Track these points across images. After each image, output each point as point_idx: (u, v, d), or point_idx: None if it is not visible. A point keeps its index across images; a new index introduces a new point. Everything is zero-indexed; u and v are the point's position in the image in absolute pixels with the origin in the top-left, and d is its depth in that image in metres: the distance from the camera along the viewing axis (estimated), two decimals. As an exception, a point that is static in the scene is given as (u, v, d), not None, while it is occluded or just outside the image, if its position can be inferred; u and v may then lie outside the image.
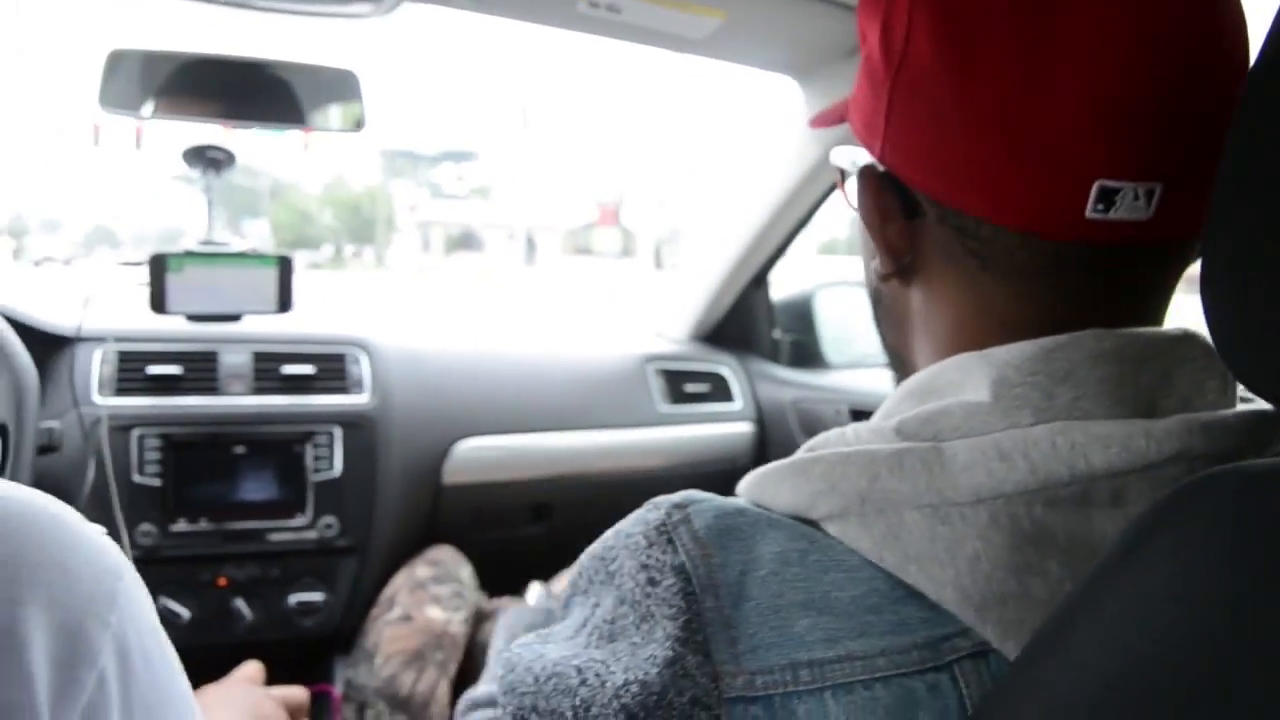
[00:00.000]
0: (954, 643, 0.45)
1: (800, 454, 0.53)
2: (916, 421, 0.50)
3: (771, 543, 0.48)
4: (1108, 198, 0.47)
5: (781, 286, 2.11)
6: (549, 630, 0.54)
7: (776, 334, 2.08)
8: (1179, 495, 0.41)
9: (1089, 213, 0.47)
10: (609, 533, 0.53)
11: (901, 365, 0.61)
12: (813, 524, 0.50)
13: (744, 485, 0.55)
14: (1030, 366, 0.49)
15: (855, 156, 0.60)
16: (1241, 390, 0.52)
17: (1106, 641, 0.39)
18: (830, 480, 0.49)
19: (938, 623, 0.46)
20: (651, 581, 0.48)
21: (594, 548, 0.54)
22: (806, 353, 2.10)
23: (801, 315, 2.11)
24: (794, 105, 1.62)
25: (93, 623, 0.45)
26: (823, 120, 0.68)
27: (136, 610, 0.49)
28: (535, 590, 1.45)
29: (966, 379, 0.51)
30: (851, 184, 0.61)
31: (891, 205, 0.55)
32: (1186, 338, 0.51)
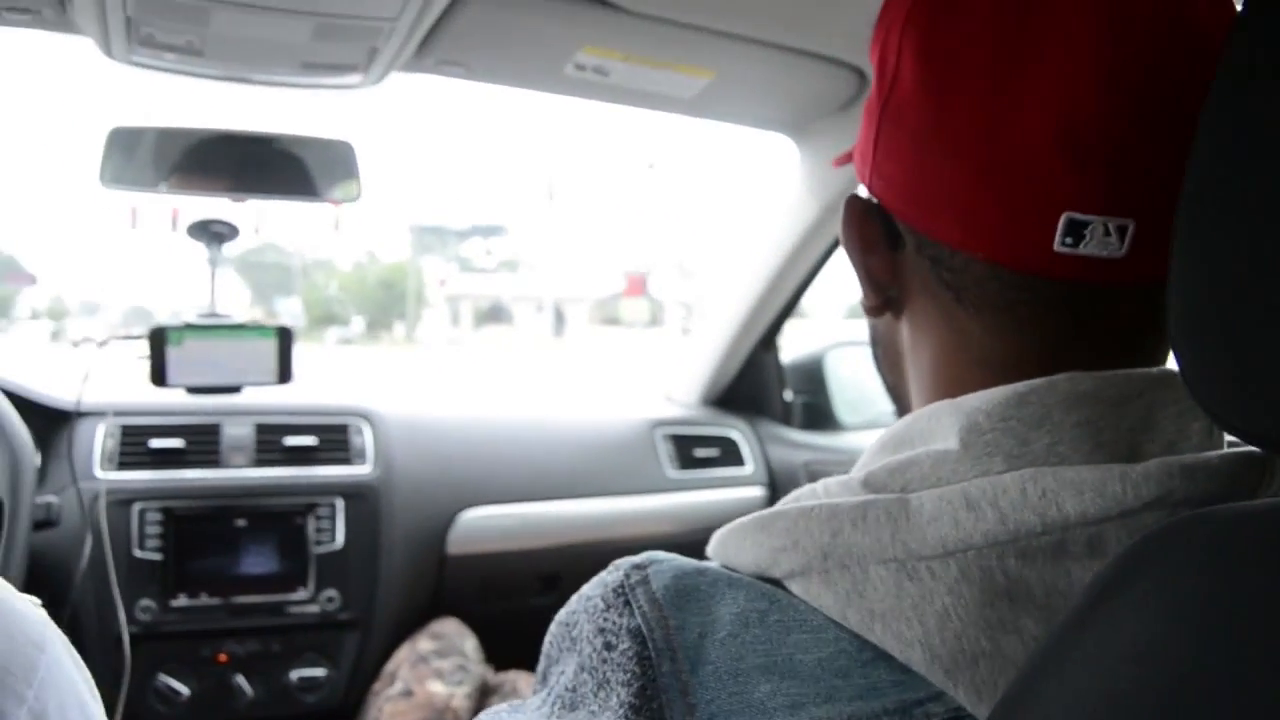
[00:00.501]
0: (927, 708, 0.43)
1: (767, 510, 0.51)
2: (884, 473, 0.48)
3: (731, 603, 0.46)
4: (1076, 231, 0.46)
5: (795, 348, 2.09)
6: (523, 702, 0.52)
7: (788, 396, 2.06)
8: (1148, 543, 0.39)
9: (1057, 245, 0.46)
10: (574, 597, 0.52)
11: (900, 405, 0.60)
12: (777, 583, 0.48)
13: (712, 544, 0.54)
14: (1001, 412, 0.47)
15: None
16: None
17: (1071, 708, 0.37)
18: (792, 536, 0.47)
19: (910, 686, 0.43)
20: (608, 646, 0.46)
21: (560, 613, 0.52)
22: (819, 414, 2.07)
23: (813, 376, 2.09)
24: (789, 163, 1.62)
25: (4, 695, 0.43)
26: (841, 160, 0.68)
27: (62, 684, 0.47)
28: None
29: (937, 428, 0.49)
30: None
31: (874, 235, 0.54)
32: (1169, 378, 0.48)
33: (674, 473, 1.85)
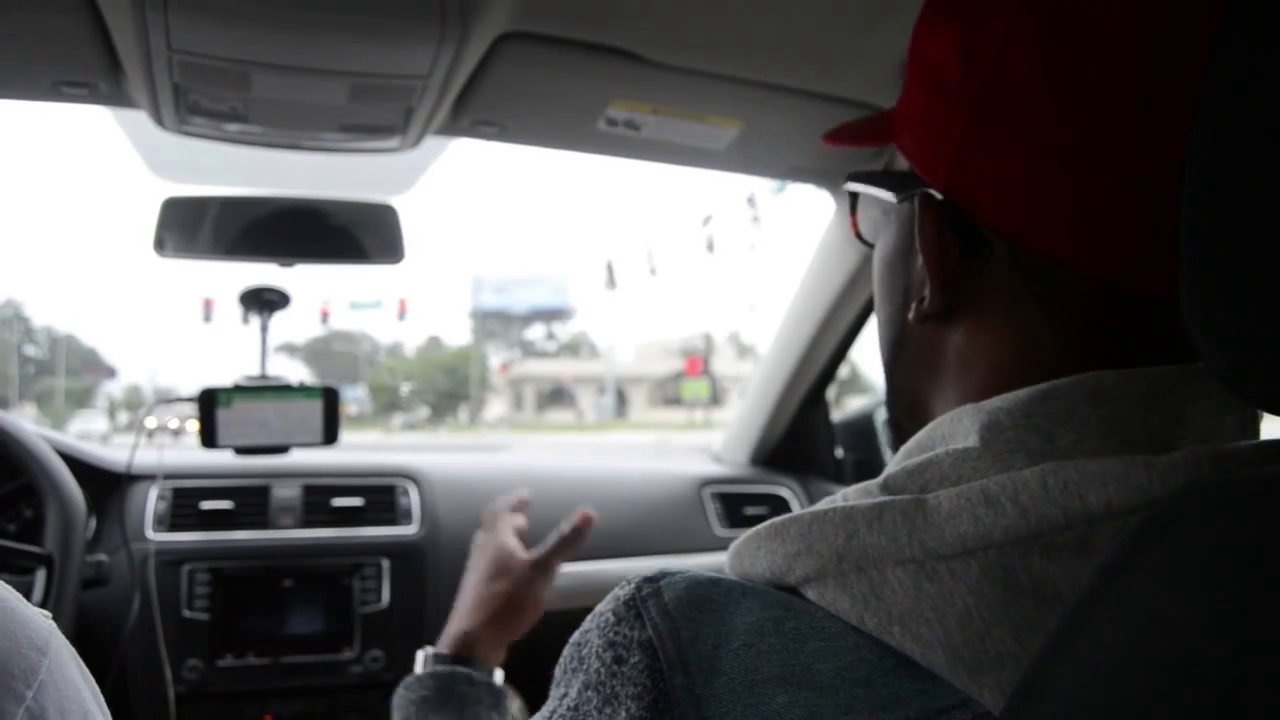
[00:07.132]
0: (951, 716, 0.41)
1: (780, 516, 0.50)
2: (903, 475, 0.47)
3: (745, 613, 0.45)
4: None
5: (847, 407, 2.07)
6: None
7: (838, 453, 2.03)
8: (1164, 511, 0.37)
9: None
10: (588, 617, 0.51)
11: (919, 416, 0.56)
12: (793, 590, 0.47)
13: (727, 556, 0.52)
14: (1024, 409, 0.46)
15: (875, 188, 0.56)
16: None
17: (1089, 681, 0.35)
18: (806, 540, 0.46)
19: (934, 694, 0.41)
20: (618, 660, 0.45)
21: (574, 634, 0.51)
22: (871, 472, 2.03)
23: (864, 433, 2.06)
24: (825, 216, 1.62)
25: (3, 694, 0.43)
26: (851, 137, 0.62)
27: (65, 689, 0.47)
28: (421, 657, 1.20)
29: (958, 429, 0.48)
30: (873, 213, 0.58)
31: (951, 239, 0.50)
32: (1200, 372, 0.46)
33: (722, 531, 1.83)
